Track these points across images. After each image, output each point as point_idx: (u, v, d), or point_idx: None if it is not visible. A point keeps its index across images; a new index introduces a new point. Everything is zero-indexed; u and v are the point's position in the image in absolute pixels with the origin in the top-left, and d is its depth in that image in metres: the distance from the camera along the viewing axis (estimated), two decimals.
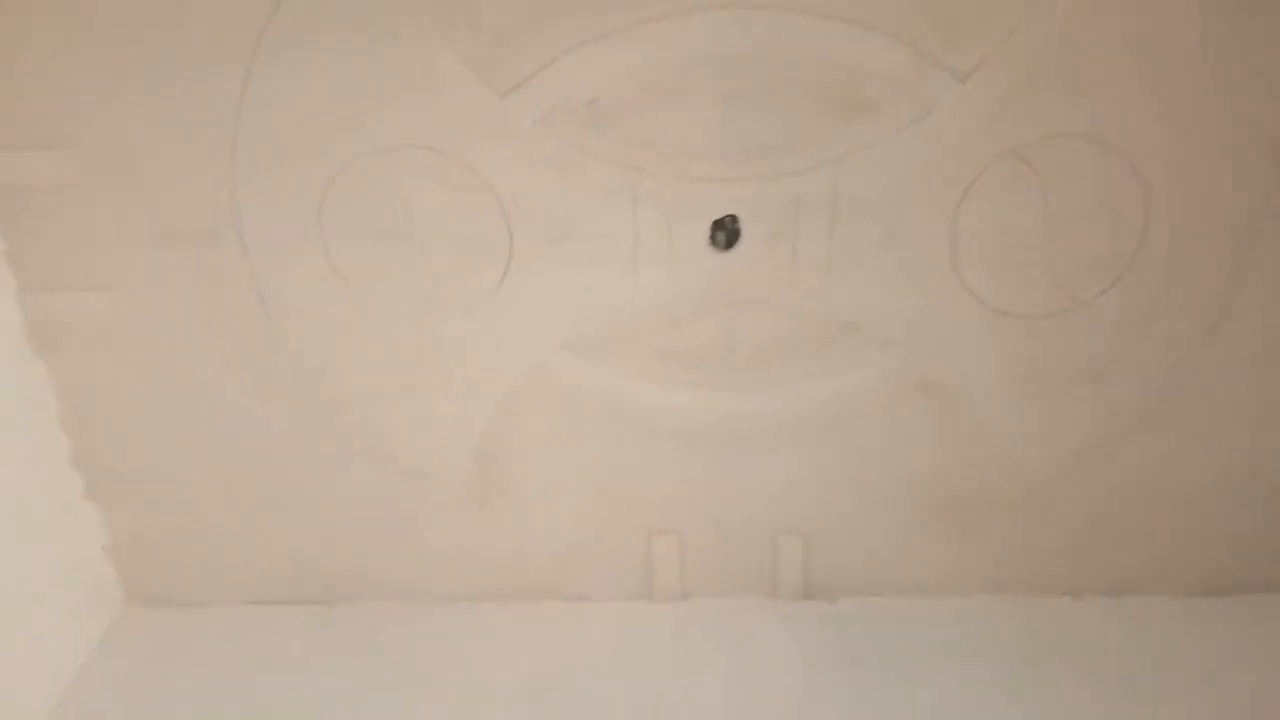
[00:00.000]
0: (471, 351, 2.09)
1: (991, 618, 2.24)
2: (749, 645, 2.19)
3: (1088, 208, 1.90)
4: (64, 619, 2.16)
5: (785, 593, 2.30)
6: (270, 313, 2.01)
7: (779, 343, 2.08)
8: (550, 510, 2.25)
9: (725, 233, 1.99)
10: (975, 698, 2.03)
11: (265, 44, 1.79)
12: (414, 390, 2.13)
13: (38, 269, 1.95)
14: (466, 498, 2.24)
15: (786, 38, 1.79)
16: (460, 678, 2.13)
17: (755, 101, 1.86)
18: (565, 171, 1.91)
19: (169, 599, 2.33)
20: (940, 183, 1.90)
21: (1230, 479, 2.15)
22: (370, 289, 2.01)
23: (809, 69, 1.82)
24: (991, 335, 2.03)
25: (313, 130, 1.86)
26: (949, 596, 2.29)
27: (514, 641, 2.23)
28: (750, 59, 1.82)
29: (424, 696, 2.08)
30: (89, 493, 2.21)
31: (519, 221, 1.96)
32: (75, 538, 2.20)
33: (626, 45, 1.81)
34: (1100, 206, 1.90)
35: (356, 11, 1.77)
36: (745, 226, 1.97)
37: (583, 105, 1.87)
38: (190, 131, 1.85)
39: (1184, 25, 1.75)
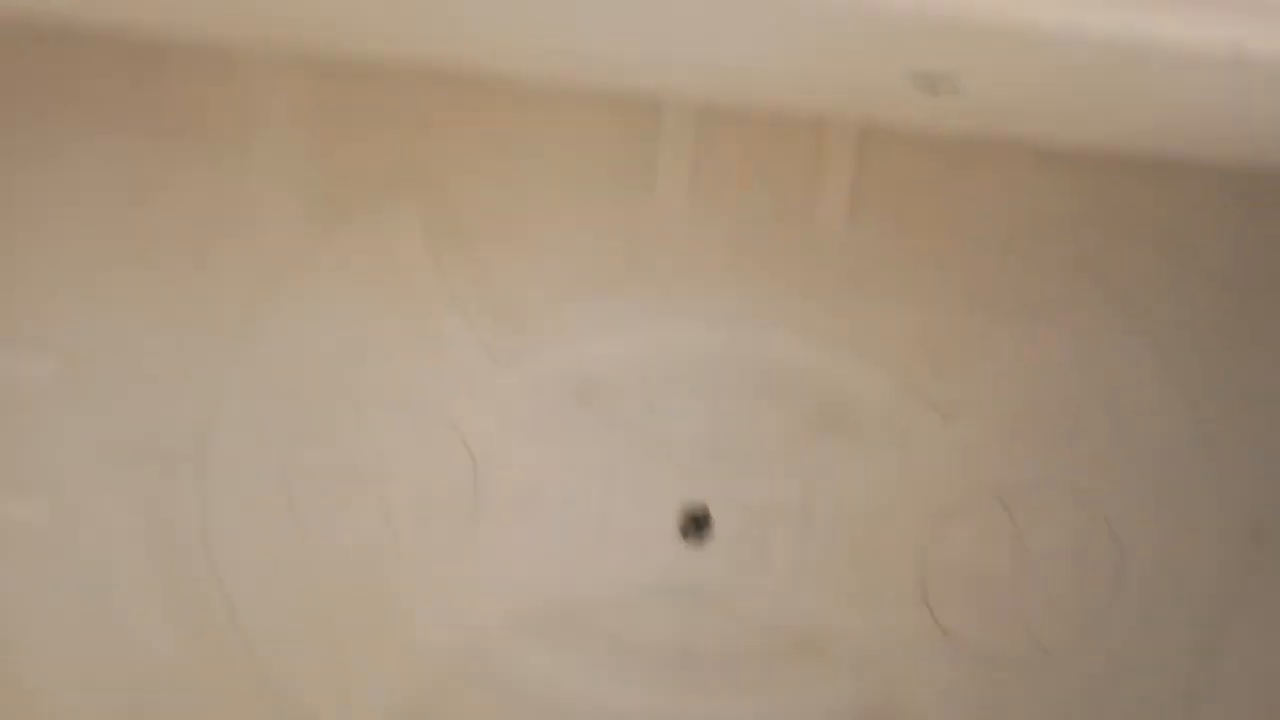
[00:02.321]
0: (415, 613, 1.97)
1: None
2: None
3: (1062, 558, 1.90)
4: None
5: None
6: (211, 546, 1.91)
7: (737, 650, 1.98)
8: None
9: (696, 525, 1.96)
10: None
11: (285, 282, 1.83)
12: (345, 647, 1.98)
13: None
14: None
15: (783, 350, 1.87)
16: None
17: (744, 403, 1.90)
18: (547, 441, 1.91)
19: None
20: (915, 511, 1.90)
21: None
22: (323, 535, 1.93)
23: (800, 380, 1.88)
24: (958, 675, 1.94)
25: (307, 368, 1.87)
26: None
27: None
28: (745, 363, 1.88)
29: None
30: None
31: (488, 485, 1.92)
32: None
33: (629, 334, 1.87)
34: (1074, 559, 1.90)
35: (375, 266, 1.84)
36: (717, 522, 1.94)
37: (577, 382, 1.90)
38: (183, 352, 1.85)
39: (1168, 398, 1.84)
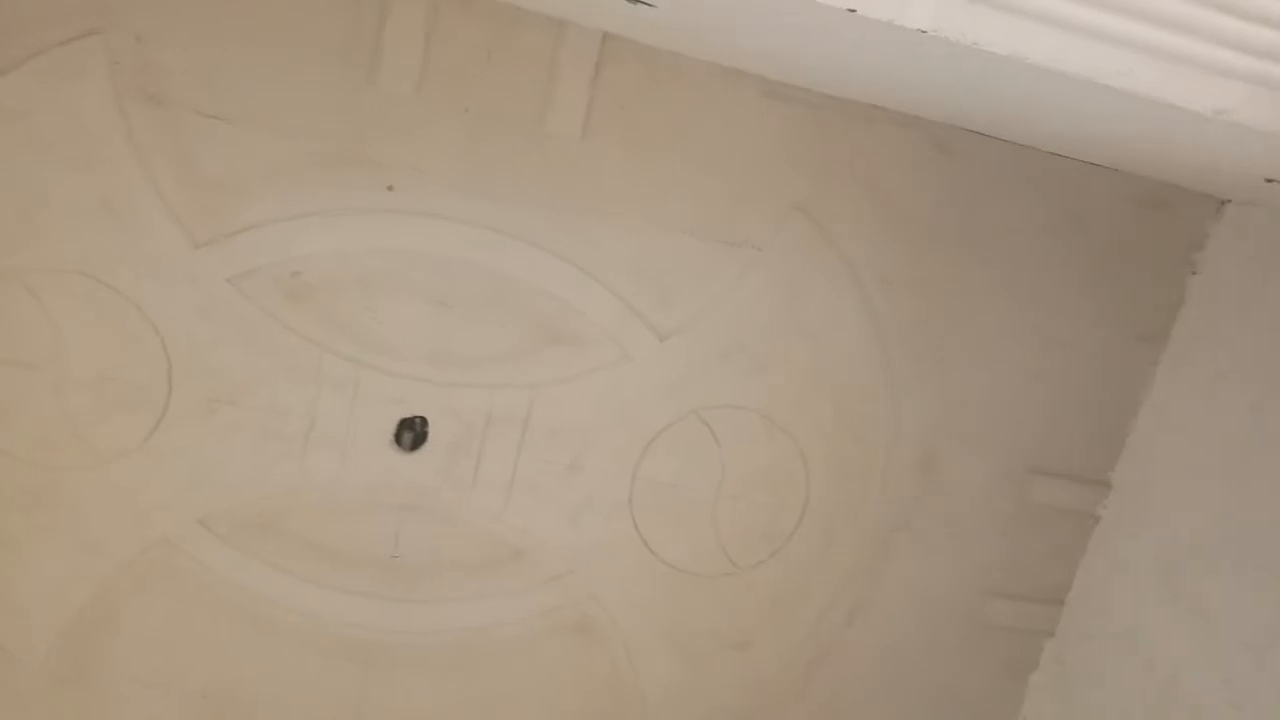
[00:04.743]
0: (93, 509, 1.82)
1: None
2: None
3: (756, 481, 2.01)
4: None
5: None
6: None
7: (445, 558, 1.98)
8: (142, 712, 1.92)
9: (413, 434, 1.92)
10: None
11: None
12: (12, 543, 1.81)
13: None
14: (42, 682, 1.87)
15: (509, 262, 1.84)
16: None
17: (467, 311, 1.86)
18: (249, 336, 1.79)
19: None
20: (628, 428, 1.95)
21: None
22: None
23: (524, 294, 1.86)
24: (654, 586, 2.04)
25: None
26: None
27: None
28: (469, 271, 1.83)
29: None
30: None
31: (183, 377, 1.79)
32: None
33: (346, 228, 1.77)
34: (767, 482, 2.02)
35: (55, 118, 1.63)
36: (433, 431, 1.91)
37: (286, 275, 1.79)
38: None
39: (862, 336, 1.97)
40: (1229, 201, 2.02)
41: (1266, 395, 1.87)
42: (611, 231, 1.86)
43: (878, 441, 2.01)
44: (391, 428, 1.90)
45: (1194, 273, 2.05)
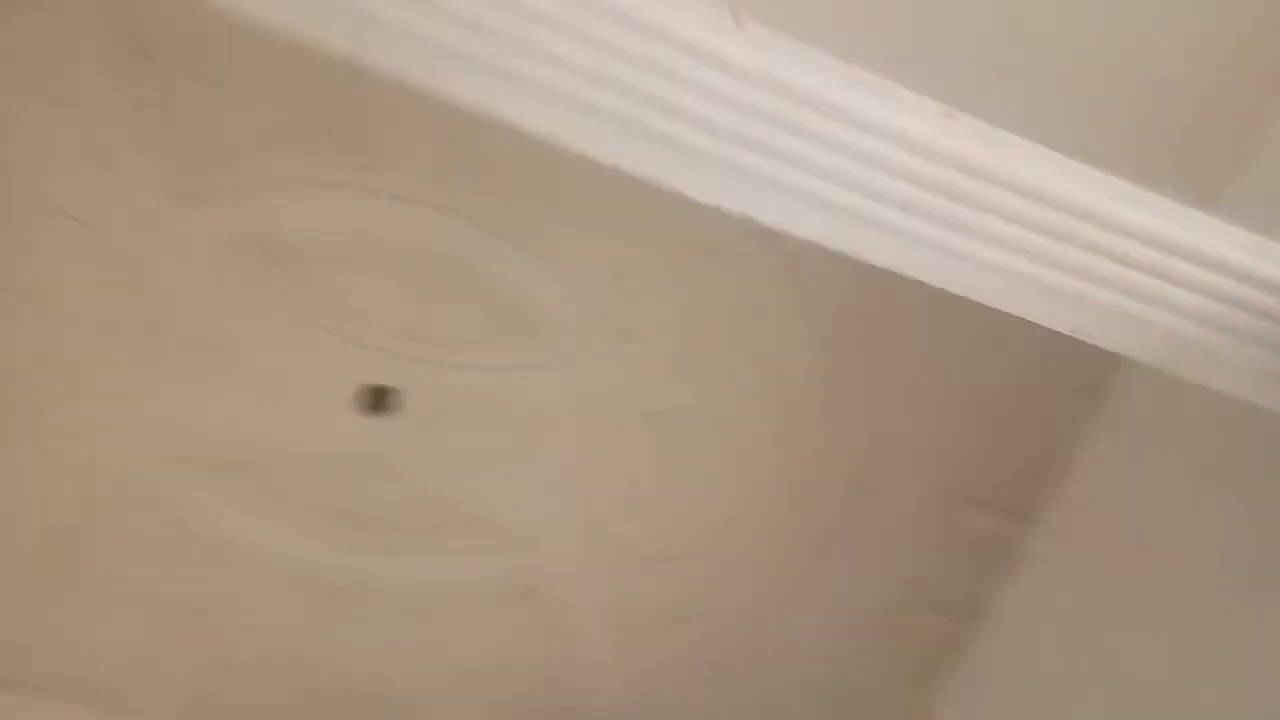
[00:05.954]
0: (75, 433, 1.94)
1: None
2: None
3: (698, 479, 2.13)
4: None
5: None
6: None
7: (397, 514, 2.10)
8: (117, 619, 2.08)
9: (375, 401, 2.02)
10: None
11: None
12: None
13: None
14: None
15: (474, 250, 1.91)
16: None
17: (440, 291, 1.93)
18: (237, 294, 1.88)
19: None
20: (582, 416, 2.05)
21: None
22: None
23: (491, 282, 1.94)
24: (601, 563, 2.17)
25: None
26: None
27: None
28: (441, 256, 1.90)
29: None
30: None
31: (170, 325, 1.88)
32: None
33: (331, 205, 1.84)
34: (707, 479, 2.13)
35: (40, 62, 1.68)
36: (395, 400, 2.01)
37: (271, 240, 1.86)
38: None
39: (810, 359, 2.05)
40: None
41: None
42: (578, 234, 1.92)
43: (812, 457, 2.11)
44: (358, 393, 2.00)
45: None
